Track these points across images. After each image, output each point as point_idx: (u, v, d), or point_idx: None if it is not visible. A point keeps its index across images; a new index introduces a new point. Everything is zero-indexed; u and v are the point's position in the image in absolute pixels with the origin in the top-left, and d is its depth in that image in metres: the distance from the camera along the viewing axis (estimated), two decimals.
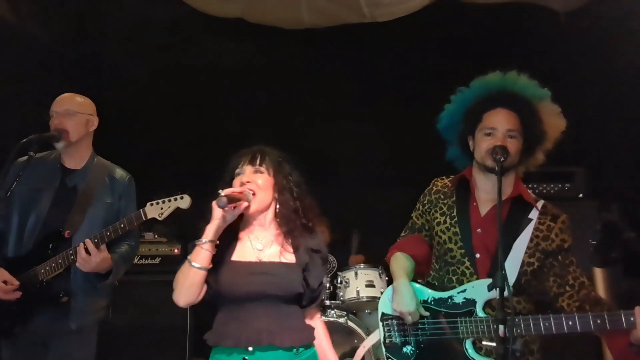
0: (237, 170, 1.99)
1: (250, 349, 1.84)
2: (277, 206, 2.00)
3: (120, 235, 2.55)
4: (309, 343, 1.96)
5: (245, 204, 1.89)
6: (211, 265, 1.85)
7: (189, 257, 1.85)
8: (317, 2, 4.12)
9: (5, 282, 2.45)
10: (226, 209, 1.81)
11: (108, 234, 2.44)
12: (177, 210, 2.52)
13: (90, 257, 2.39)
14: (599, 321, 1.86)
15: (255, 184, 1.93)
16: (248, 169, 1.97)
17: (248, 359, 1.84)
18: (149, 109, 4.65)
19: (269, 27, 4.41)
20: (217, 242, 1.86)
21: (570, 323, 1.88)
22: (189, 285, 1.83)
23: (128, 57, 4.51)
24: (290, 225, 1.98)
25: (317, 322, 2.08)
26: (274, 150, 2.05)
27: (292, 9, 4.18)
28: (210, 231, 1.84)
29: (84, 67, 4.49)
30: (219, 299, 1.90)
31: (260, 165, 1.98)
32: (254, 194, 1.91)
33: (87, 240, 2.41)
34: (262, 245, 1.97)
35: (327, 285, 3.97)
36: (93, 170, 2.66)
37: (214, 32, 4.51)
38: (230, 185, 1.97)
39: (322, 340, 2.08)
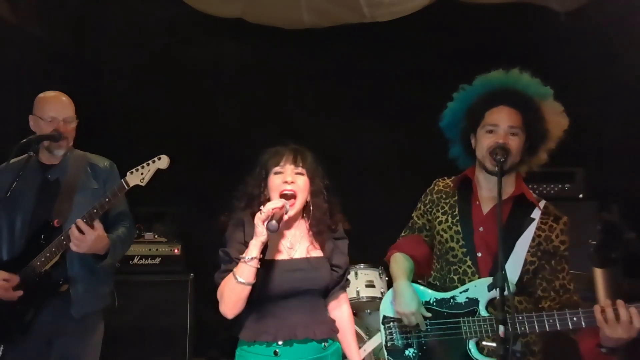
0: (278, 169, 2.02)
1: (281, 342, 1.93)
2: (311, 208, 2.07)
3: (113, 217, 2.61)
4: (335, 335, 2.08)
5: (286, 216, 1.94)
6: (255, 280, 1.88)
7: (234, 271, 1.87)
8: (317, 2, 4.12)
9: (5, 280, 2.45)
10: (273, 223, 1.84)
11: (95, 211, 2.42)
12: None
13: (85, 236, 2.37)
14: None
15: (297, 185, 2.00)
16: (290, 169, 2.02)
17: (282, 351, 1.93)
18: (149, 109, 4.65)
19: (269, 27, 4.41)
20: (261, 256, 1.89)
21: (575, 319, 1.88)
22: (236, 299, 1.88)
23: (128, 57, 4.51)
24: (320, 227, 2.07)
25: (345, 305, 2.18)
26: (308, 151, 2.11)
27: (292, 9, 4.18)
28: (255, 248, 1.86)
29: (84, 67, 4.49)
30: (252, 297, 1.92)
31: (303, 166, 2.04)
32: (295, 197, 1.98)
33: (79, 220, 2.38)
34: (291, 243, 2.06)
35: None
36: (72, 162, 2.66)
37: (214, 32, 4.51)
38: (264, 181, 2.04)
39: (347, 330, 2.16)
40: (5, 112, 3.89)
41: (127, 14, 4.38)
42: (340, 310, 2.16)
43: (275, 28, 4.43)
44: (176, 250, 4.20)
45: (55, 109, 2.60)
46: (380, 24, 4.17)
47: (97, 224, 2.42)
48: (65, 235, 2.45)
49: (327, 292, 2.09)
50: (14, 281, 2.46)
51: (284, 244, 2.05)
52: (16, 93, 4.01)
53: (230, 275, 1.88)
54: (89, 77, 4.46)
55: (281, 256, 2.02)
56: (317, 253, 2.05)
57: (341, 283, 2.14)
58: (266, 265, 1.95)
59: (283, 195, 1.96)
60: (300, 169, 2.03)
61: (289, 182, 1.98)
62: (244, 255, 1.87)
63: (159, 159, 2.45)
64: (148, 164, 2.44)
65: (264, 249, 1.94)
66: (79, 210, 2.51)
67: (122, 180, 2.45)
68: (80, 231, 2.37)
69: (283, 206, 1.90)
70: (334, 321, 2.10)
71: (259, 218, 1.85)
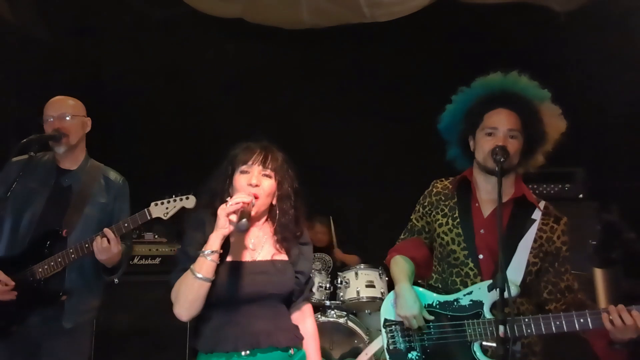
0: (245, 168, 1.91)
1: (244, 353, 1.80)
2: (277, 212, 1.97)
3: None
4: (300, 343, 1.97)
5: (253, 212, 1.84)
6: (214, 277, 1.76)
7: (192, 267, 1.75)
8: (317, 2, 4.12)
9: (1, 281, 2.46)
10: (233, 218, 1.74)
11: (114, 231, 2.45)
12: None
13: (110, 246, 2.41)
14: (611, 318, 1.86)
15: (262, 188, 1.88)
16: (257, 170, 1.91)
17: None
18: (149, 109, 4.65)
19: (269, 27, 4.41)
20: (221, 251, 1.77)
21: (581, 320, 1.89)
22: (193, 298, 1.74)
23: (128, 57, 4.52)
24: (286, 234, 1.96)
25: (309, 319, 2.06)
26: (279, 152, 2.00)
27: (292, 9, 4.17)
28: (216, 241, 1.75)
29: (84, 67, 4.49)
30: (212, 301, 1.79)
31: (271, 168, 1.93)
32: (256, 198, 1.86)
33: (107, 230, 2.42)
34: (254, 244, 1.94)
35: (328, 285, 3.97)
36: (88, 171, 2.69)
37: (214, 32, 4.51)
38: (230, 178, 1.93)
39: (311, 345, 2.02)
40: (6, 112, 3.89)
41: (127, 14, 4.37)
42: (304, 325, 2.02)
43: (276, 28, 4.43)
44: (176, 251, 4.20)
45: (52, 108, 2.64)
46: (380, 24, 4.17)
47: (118, 239, 2.45)
48: (75, 249, 2.47)
49: (290, 299, 1.97)
50: (10, 284, 2.46)
51: (247, 244, 1.92)
52: (16, 93, 4.02)
53: (188, 272, 1.75)
54: (89, 77, 4.46)
55: (245, 258, 1.90)
56: (281, 257, 1.95)
57: (304, 293, 2.02)
58: (228, 266, 1.83)
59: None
60: (268, 171, 1.91)
61: (253, 184, 1.86)
62: (203, 249, 1.75)
63: (187, 198, 2.46)
64: (175, 200, 2.45)
65: (226, 249, 1.83)
66: (86, 222, 2.54)
67: (146, 210, 2.47)
68: (108, 241, 2.41)
69: (250, 202, 1.80)
70: (297, 327, 1.98)
71: (223, 209, 1.75)
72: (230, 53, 4.67)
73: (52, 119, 2.61)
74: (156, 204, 2.47)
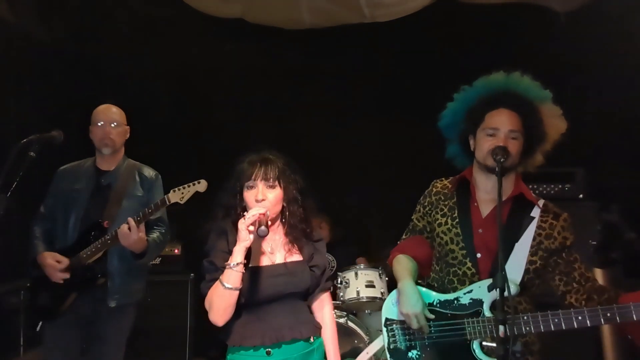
0: (250, 184, 2.05)
1: (270, 346, 1.99)
2: (287, 214, 2.12)
3: (151, 222, 2.92)
4: (319, 332, 2.15)
5: (270, 222, 1.99)
6: (242, 285, 1.92)
7: (221, 278, 1.91)
8: (317, 3, 4.12)
9: (58, 262, 2.79)
10: (252, 229, 1.88)
11: (138, 218, 2.72)
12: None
13: (130, 233, 2.68)
14: (608, 314, 1.85)
15: (268, 200, 2.02)
16: (262, 185, 2.04)
17: (274, 352, 1.99)
18: (149, 109, 4.64)
19: (269, 27, 4.42)
20: (245, 261, 1.92)
21: (580, 318, 1.89)
22: (225, 306, 1.92)
23: (128, 57, 4.52)
24: (296, 234, 2.12)
25: (327, 306, 2.22)
26: (280, 158, 2.12)
27: (292, 9, 4.18)
28: (239, 253, 1.90)
29: (84, 67, 4.50)
30: (238, 303, 1.96)
31: (273, 180, 2.06)
32: (266, 218, 1.99)
33: (130, 219, 2.69)
34: (272, 248, 2.11)
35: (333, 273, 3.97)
36: (124, 170, 3.01)
37: (214, 32, 4.52)
38: (239, 193, 2.07)
39: (328, 332, 2.19)
40: (6, 112, 3.90)
41: (127, 14, 4.38)
42: (322, 312, 2.21)
43: (276, 28, 4.43)
44: (176, 250, 4.21)
45: (102, 113, 2.97)
46: (380, 24, 4.17)
47: (141, 227, 2.73)
48: (111, 236, 2.77)
49: (308, 293, 2.14)
50: (64, 264, 2.79)
51: (265, 249, 2.10)
52: (16, 93, 4.02)
53: (217, 282, 1.92)
54: (89, 77, 4.46)
55: (264, 262, 2.07)
56: (297, 257, 2.12)
57: (321, 284, 2.17)
58: (250, 271, 2.00)
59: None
60: (271, 182, 2.05)
61: (259, 200, 2.01)
62: (228, 262, 1.91)
63: (199, 182, 2.76)
64: (189, 186, 2.75)
65: (248, 255, 1.97)
66: (125, 214, 2.81)
67: (165, 196, 2.78)
68: (128, 228, 2.68)
69: (265, 212, 1.95)
70: (314, 318, 2.16)
71: (242, 223, 1.89)
72: (230, 53, 4.67)
73: (101, 123, 2.94)
74: (174, 191, 2.75)
